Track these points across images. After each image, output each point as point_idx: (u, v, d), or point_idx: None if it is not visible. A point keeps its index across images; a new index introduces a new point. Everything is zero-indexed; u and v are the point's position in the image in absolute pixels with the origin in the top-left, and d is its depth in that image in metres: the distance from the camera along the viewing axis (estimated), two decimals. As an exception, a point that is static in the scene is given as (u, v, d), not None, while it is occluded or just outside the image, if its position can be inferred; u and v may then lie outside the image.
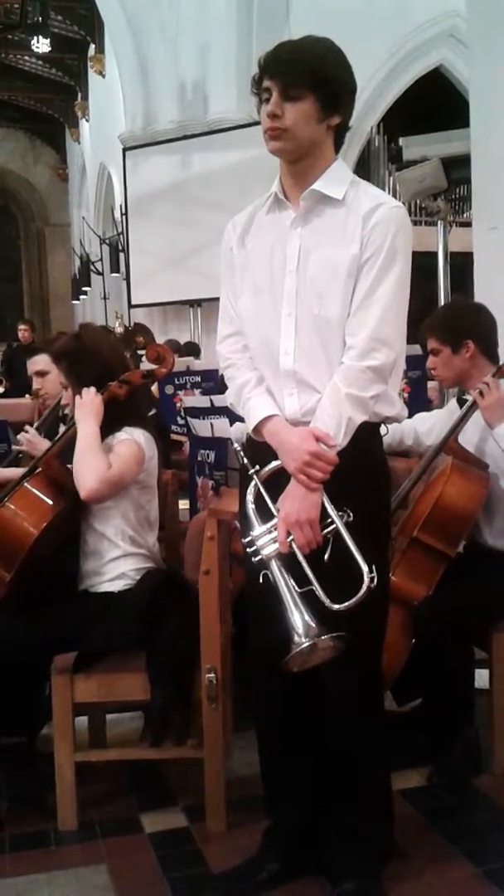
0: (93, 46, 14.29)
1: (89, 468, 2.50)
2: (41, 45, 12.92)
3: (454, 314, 2.92)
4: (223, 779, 2.47)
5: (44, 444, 2.99)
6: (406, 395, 4.31)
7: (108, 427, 2.61)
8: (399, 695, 2.80)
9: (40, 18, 11.77)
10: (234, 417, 2.19)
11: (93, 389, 2.61)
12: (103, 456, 2.53)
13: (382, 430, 2.10)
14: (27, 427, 3.11)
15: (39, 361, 3.36)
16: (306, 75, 1.91)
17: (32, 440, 3.03)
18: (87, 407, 2.59)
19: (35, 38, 12.78)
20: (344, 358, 1.98)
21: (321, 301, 1.98)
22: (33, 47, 13.15)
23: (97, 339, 2.77)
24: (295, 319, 2.01)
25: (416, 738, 2.74)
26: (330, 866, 2.14)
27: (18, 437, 3.10)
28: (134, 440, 2.59)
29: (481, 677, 2.77)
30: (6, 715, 2.59)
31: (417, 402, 4.38)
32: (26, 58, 15.66)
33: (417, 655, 2.62)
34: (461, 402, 2.87)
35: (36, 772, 2.66)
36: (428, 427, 2.97)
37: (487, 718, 2.74)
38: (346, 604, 1.84)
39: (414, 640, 2.63)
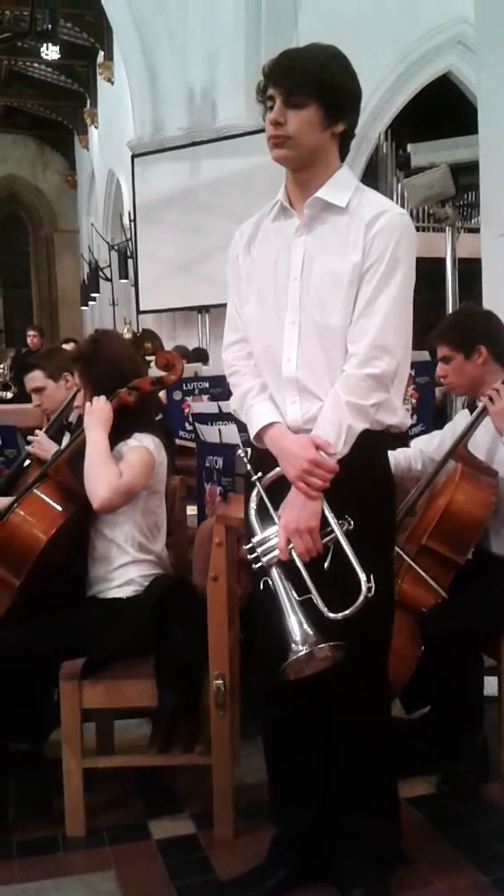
0: (102, 53, 14.34)
1: (101, 478, 2.50)
2: (50, 52, 12.93)
3: (465, 320, 2.91)
4: (231, 785, 2.47)
5: (52, 447, 2.99)
6: (414, 400, 4.31)
7: (118, 433, 2.61)
8: (407, 702, 2.80)
9: (49, 26, 11.78)
10: (242, 423, 2.20)
11: (103, 398, 2.62)
12: (114, 465, 2.53)
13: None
14: (37, 431, 3.13)
15: (35, 379, 3.36)
16: (310, 83, 1.91)
17: (42, 442, 3.04)
18: (97, 414, 2.60)
19: (44, 45, 12.78)
20: (345, 366, 1.97)
21: (323, 309, 1.98)
22: (42, 54, 13.17)
23: (114, 345, 2.77)
24: (298, 327, 2.01)
25: (424, 746, 2.74)
26: (337, 874, 2.14)
27: (28, 438, 3.12)
28: (144, 447, 2.59)
29: (490, 685, 2.76)
30: (15, 721, 2.59)
31: (425, 407, 4.38)
32: (36, 65, 15.72)
33: (426, 663, 2.62)
34: (472, 409, 2.86)
35: (44, 778, 2.66)
36: (436, 445, 2.93)
37: (496, 726, 2.73)
38: (344, 613, 1.83)
39: (423, 648, 2.62)
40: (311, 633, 1.82)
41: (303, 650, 1.82)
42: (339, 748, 2.13)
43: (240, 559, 2.59)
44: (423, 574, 2.64)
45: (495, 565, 2.76)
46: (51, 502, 2.61)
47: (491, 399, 2.68)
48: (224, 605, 2.40)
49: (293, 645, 1.82)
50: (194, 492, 3.57)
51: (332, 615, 1.84)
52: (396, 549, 2.46)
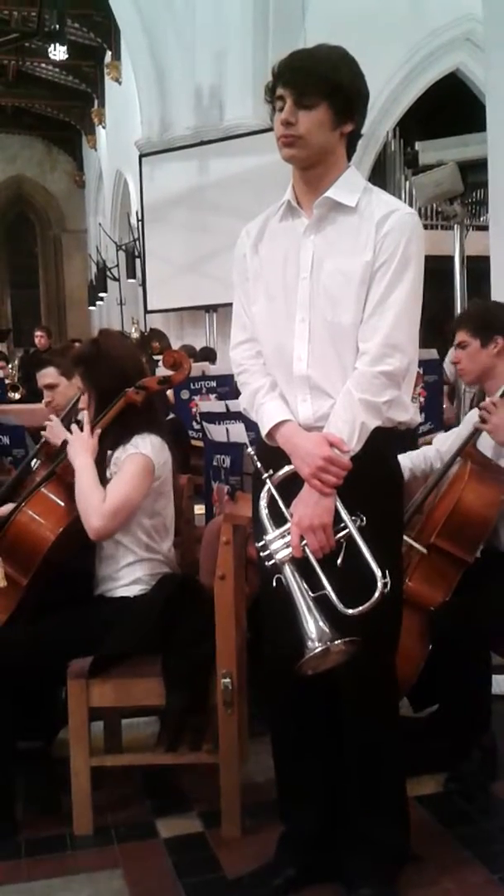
0: (109, 53, 14.37)
1: (89, 508, 2.51)
2: (58, 52, 13.00)
3: (490, 310, 2.96)
4: (238, 784, 2.46)
5: (63, 434, 2.97)
6: (423, 399, 4.31)
7: (121, 435, 2.61)
8: (416, 700, 2.79)
9: (57, 26, 11.85)
10: (250, 422, 2.20)
11: (76, 429, 2.63)
12: (100, 491, 2.53)
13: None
14: (52, 416, 3.09)
15: (48, 375, 3.37)
16: (320, 83, 1.92)
17: (54, 427, 3.03)
18: (80, 443, 2.60)
19: (52, 45, 12.86)
20: (357, 363, 1.98)
21: (334, 307, 1.99)
22: (50, 55, 13.24)
23: (115, 346, 2.78)
24: (308, 325, 2.01)
25: (433, 744, 2.73)
26: (345, 872, 2.14)
27: (45, 423, 3.09)
28: (140, 453, 2.57)
29: (498, 683, 2.76)
30: (23, 719, 2.59)
31: (433, 406, 4.38)
32: (43, 65, 15.78)
33: (434, 661, 2.61)
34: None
35: (52, 776, 2.66)
36: (449, 445, 2.93)
37: (504, 724, 2.73)
38: (360, 609, 1.84)
39: (431, 646, 2.62)
40: (327, 629, 1.83)
41: (319, 647, 1.82)
42: (347, 747, 2.13)
43: (247, 558, 2.59)
44: (431, 572, 2.63)
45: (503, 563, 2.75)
46: (58, 501, 2.62)
47: (483, 420, 2.69)
48: (231, 603, 2.40)
49: (309, 642, 1.83)
50: (202, 490, 3.58)
51: (348, 611, 1.84)
52: (404, 547, 2.46)
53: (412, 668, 2.56)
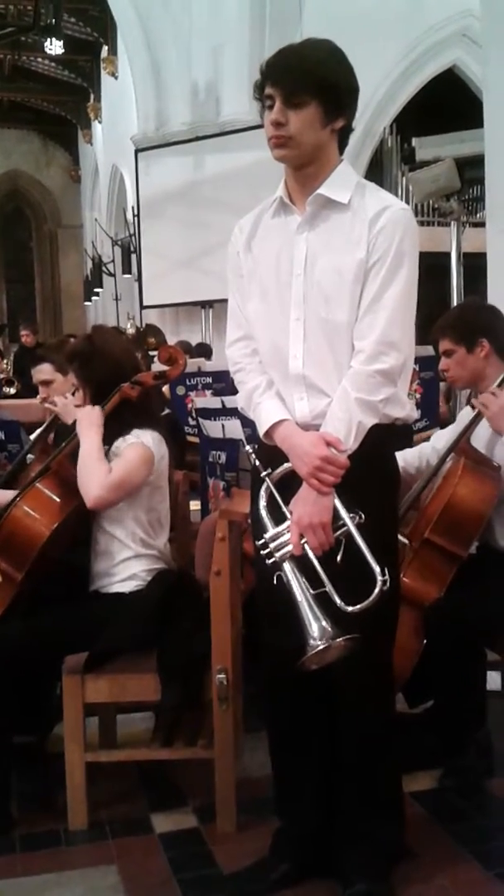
0: (105, 48, 14.32)
1: (91, 476, 2.52)
2: (54, 46, 12.93)
3: (469, 313, 2.92)
4: (234, 779, 2.47)
5: (75, 412, 2.95)
6: (418, 395, 4.31)
7: (118, 429, 2.61)
8: (411, 696, 2.79)
9: (53, 20, 11.77)
10: (246, 418, 2.20)
11: (89, 406, 2.63)
12: (104, 463, 2.54)
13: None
14: (66, 395, 3.06)
15: (44, 371, 3.36)
16: (309, 81, 1.90)
17: (68, 403, 3.00)
18: (88, 419, 2.61)
19: (48, 39, 12.78)
20: (353, 362, 1.98)
21: (329, 305, 1.98)
22: (46, 49, 13.17)
23: (109, 341, 2.77)
24: (303, 324, 2.01)
25: (428, 740, 2.73)
26: (340, 868, 2.14)
27: (55, 398, 3.06)
28: (141, 443, 2.59)
29: (493, 679, 2.76)
30: (18, 714, 2.59)
31: (429, 403, 4.38)
32: (39, 59, 15.70)
33: (429, 657, 2.62)
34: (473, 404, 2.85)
35: (47, 772, 2.66)
36: (444, 442, 2.93)
37: (499, 721, 2.72)
38: (360, 606, 1.84)
39: (426, 642, 2.62)
40: (329, 627, 1.84)
41: (321, 644, 1.83)
42: (343, 742, 2.13)
43: (243, 554, 2.59)
44: (425, 568, 2.63)
45: (499, 560, 2.75)
46: (53, 496, 2.61)
47: (485, 405, 2.68)
48: (227, 599, 2.40)
49: (311, 640, 1.84)
50: (198, 486, 3.58)
51: (349, 608, 1.84)
52: (399, 542, 2.46)
53: (407, 663, 2.57)
